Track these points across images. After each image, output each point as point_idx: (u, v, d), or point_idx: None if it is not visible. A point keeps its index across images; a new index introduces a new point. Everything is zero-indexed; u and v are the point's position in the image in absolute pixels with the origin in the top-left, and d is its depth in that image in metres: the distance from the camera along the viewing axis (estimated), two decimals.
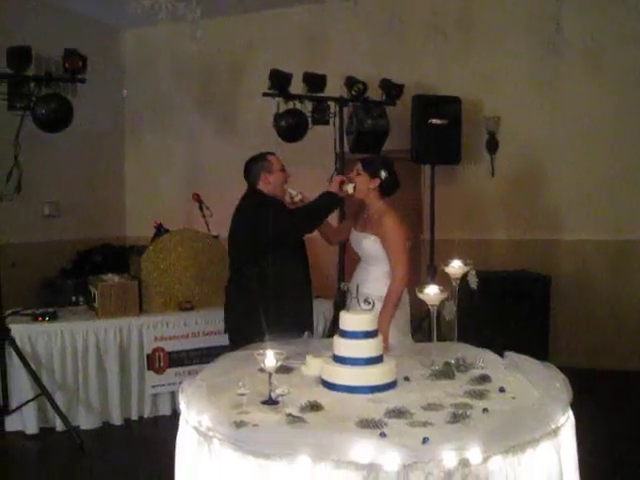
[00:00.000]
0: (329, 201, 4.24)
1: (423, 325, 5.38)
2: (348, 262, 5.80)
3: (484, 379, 2.89)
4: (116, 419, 5.55)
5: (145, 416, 5.68)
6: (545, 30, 6.95)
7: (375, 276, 4.07)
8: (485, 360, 3.15)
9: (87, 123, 7.31)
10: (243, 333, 4.06)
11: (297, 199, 4.41)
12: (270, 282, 4.18)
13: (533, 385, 2.78)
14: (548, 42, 6.93)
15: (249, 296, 4.23)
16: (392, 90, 6.81)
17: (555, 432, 2.44)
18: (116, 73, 8.65)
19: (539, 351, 5.61)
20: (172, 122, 8.55)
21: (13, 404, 5.23)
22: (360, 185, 4.12)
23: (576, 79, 7.08)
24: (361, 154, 6.75)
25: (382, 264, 4.04)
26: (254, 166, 4.39)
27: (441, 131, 6.75)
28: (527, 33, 7.19)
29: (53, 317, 5.48)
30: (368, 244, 4.08)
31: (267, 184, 4.34)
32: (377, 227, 4.04)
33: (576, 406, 2.72)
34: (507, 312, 6.61)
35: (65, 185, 7.74)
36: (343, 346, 2.81)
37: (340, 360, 2.82)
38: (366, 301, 2.94)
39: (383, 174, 4.09)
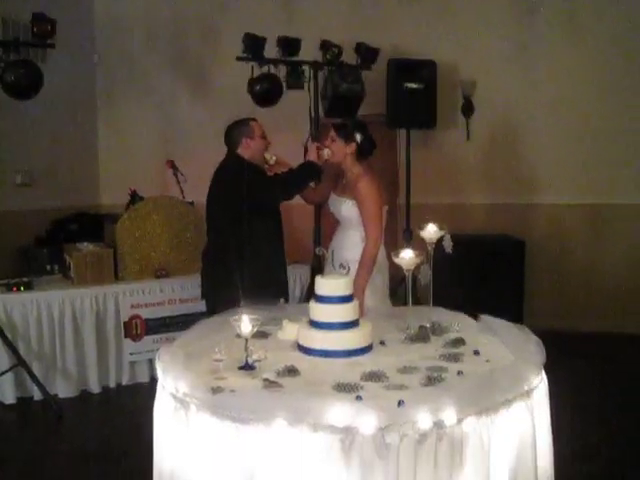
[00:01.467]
0: (309, 170, 4.24)
1: (399, 290, 5.40)
2: (325, 227, 5.80)
3: (459, 342, 2.92)
4: (94, 387, 5.56)
5: (123, 383, 5.70)
6: None
7: (354, 240, 4.08)
8: (460, 323, 3.18)
9: (58, 89, 7.21)
10: (220, 299, 4.05)
11: (272, 161, 4.41)
12: (247, 248, 4.18)
13: (507, 347, 2.82)
14: (524, 3, 6.94)
15: (226, 262, 4.23)
16: (367, 54, 6.75)
17: (528, 393, 2.47)
18: (87, 37, 8.49)
19: (514, 314, 5.71)
20: (145, 87, 8.43)
21: None
22: (337, 151, 4.09)
23: (553, 42, 7.07)
24: (336, 118, 6.74)
25: (360, 228, 4.05)
26: (235, 131, 4.37)
27: (416, 95, 6.74)
28: None
29: (28, 286, 5.43)
30: (345, 208, 4.10)
31: (247, 149, 4.32)
32: (353, 191, 4.04)
33: (550, 368, 2.76)
34: (482, 276, 6.68)
35: (37, 153, 7.62)
36: (319, 311, 2.83)
37: (316, 325, 2.83)
38: (342, 266, 2.95)
39: (358, 137, 4.07)
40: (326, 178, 4.41)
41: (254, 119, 4.45)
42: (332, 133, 4.12)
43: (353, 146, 4.06)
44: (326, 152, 4.13)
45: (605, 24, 6.92)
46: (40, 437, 4.80)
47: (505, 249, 6.95)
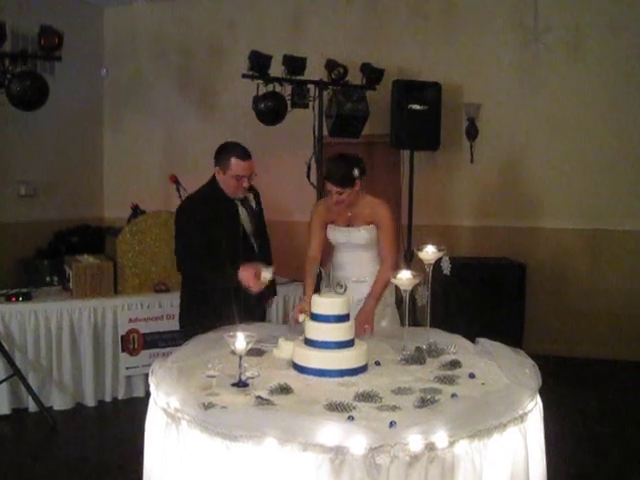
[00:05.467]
0: (228, 281, 3.80)
1: (399, 311, 5.39)
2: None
3: (455, 365, 2.91)
4: (89, 400, 5.54)
5: (119, 397, 5.68)
6: (527, 17, 6.99)
7: (366, 259, 4.15)
8: (457, 346, 3.16)
9: (65, 102, 7.27)
10: (183, 321, 4.21)
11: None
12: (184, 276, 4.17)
13: (502, 371, 2.80)
14: (529, 29, 6.97)
15: (183, 286, 4.23)
16: (372, 74, 6.79)
17: (522, 417, 2.45)
18: (95, 52, 8.55)
19: (514, 338, 5.69)
20: (151, 102, 8.47)
21: None
22: (348, 198, 3.96)
23: (557, 68, 7.09)
24: (340, 138, 6.77)
25: (371, 249, 4.14)
26: (218, 155, 4.06)
27: (420, 117, 6.75)
28: (509, 19, 7.21)
29: (27, 297, 5.43)
30: (361, 235, 4.08)
31: (219, 177, 4.04)
32: (371, 217, 4.05)
33: (547, 392, 2.74)
34: (483, 299, 6.65)
35: (42, 165, 7.66)
36: (314, 329, 2.82)
37: (311, 343, 2.83)
38: (339, 284, 2.94)
39: (357, 172, 3.97)
40: (317, 230, 4.23)
41: (242, 157, 3.97)
42: (337, 189, 3.93)
43: (359, 183, 3.98)
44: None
45: (609, 51, 6.95)
46: (33, 449, 4.78)
47: (506, 272, 6.93)
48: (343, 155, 4.11)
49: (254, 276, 3.72)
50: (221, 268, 3.81)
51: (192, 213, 4.00)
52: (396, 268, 3.98)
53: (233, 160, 3.95)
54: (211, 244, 3.88)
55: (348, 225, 4.12)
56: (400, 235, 7.06)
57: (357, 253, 4.17)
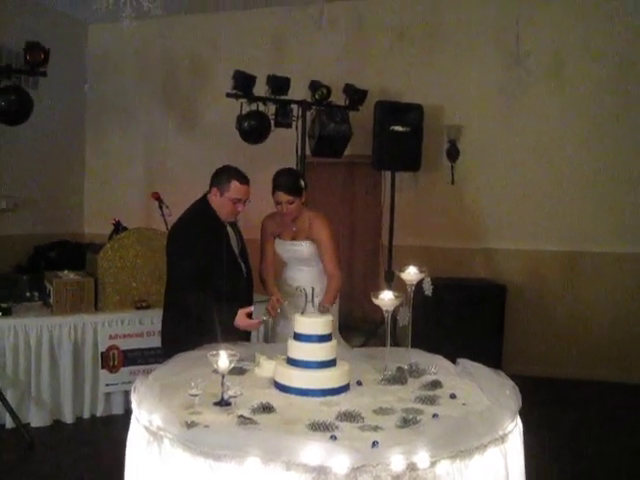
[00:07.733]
0: (225, 319, 3.74)
1: (379, 331, 5.42)
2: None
3: (436, 385, 2.93)
4: (68, 417, 5.49)
5: (97, 415, 5.63)
6: (508, 41, 7.09)
7: (312, 275, 4.33)
8: (438, 366, 3.18)
9: (48, 117, 7.25)
10: (167, 338, 4.18)
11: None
12: (171, 293, 4.17)
13: (483, 392, 2.82)
14: (511, 53, 7.07)
15: (167, 304, 4.24)
16: (355, 95, 6.85)
17: (503, 438, 2.47)
18: (79, 68, 8.55)
19: (493, 359, 5.72)
20: (134, 119, 8.48)
21: None
22: (297, 208, 4.26)
23: (538, 91, 7.19)
24: (322, 158, 6.82)
25: (316, 264, 4.34)
26: (219, 175, 4.06)
27: (402, 138, 6.82)
28: (491, 43, 7.30)
29: (6, 312, 5.37)
30: (304, 249, 4.31)
31: (214, 199, 4.05)
32: (309, 232, 4.27)
33: (526, 413, 2.77)
34: (463, 319, 6.68)
35: (23, 179, 7.62)
36: (297, 349, 2.83)
37: (294, 363, 2.83)
38: (321, 305, 2.97)
39: (303, 183, 4.29)
40: (266, 242, 4.50)
41: (242, 181, 4.01)
42: (287, 198, 4.21)
43: (304, 195, 4.28)
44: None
45: (589, 75, 7.05)
46: (10, 466, 4.71)
47: (486, 293, 6.97)
48: (289, 168, 4.48)
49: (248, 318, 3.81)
50: (220, 308, 3.77)
51: (187, 239, 3.97)
52: (342, 276, 4.30)
53: (234, 183, 4.00)
54: (207, 269, 3.90)
55: (292, 239, 4.35)
56: (381, 255, 7.12)
57: (304, 268, 4.37)
